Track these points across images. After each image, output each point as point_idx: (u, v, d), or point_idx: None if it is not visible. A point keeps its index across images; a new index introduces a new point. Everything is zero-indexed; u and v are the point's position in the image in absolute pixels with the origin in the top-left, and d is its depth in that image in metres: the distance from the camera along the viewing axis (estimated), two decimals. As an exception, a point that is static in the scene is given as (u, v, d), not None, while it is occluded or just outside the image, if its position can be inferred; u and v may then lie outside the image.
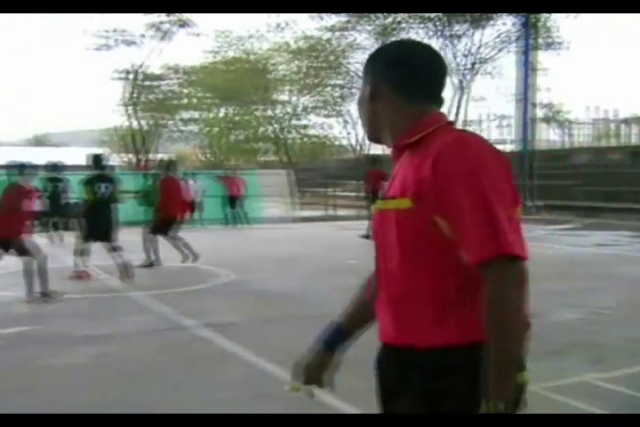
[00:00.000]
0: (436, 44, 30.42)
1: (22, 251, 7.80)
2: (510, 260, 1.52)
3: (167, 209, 10.73)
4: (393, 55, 1.80)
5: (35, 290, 7.72)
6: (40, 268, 7.76)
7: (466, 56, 30.27)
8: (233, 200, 19.48)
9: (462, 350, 1.61)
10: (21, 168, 8.04)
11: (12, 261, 9.38)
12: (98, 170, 9.46)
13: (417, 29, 30.64)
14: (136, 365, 5.14)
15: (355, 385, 4.53)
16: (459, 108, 30.71)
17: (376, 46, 31.66)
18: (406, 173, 1.68)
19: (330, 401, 4.21)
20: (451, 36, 30.03)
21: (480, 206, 1.55)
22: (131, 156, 35.80)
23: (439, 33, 30.35)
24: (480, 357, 1.54)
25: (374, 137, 1.88)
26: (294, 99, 37.30)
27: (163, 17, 25.73)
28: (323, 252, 12.78)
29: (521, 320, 1.55)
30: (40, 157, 14.96)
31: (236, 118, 38.79)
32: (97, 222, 9.27)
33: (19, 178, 7.95)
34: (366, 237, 14.46)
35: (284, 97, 37.50)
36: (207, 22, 52.53)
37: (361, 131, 38.10)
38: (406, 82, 1.76)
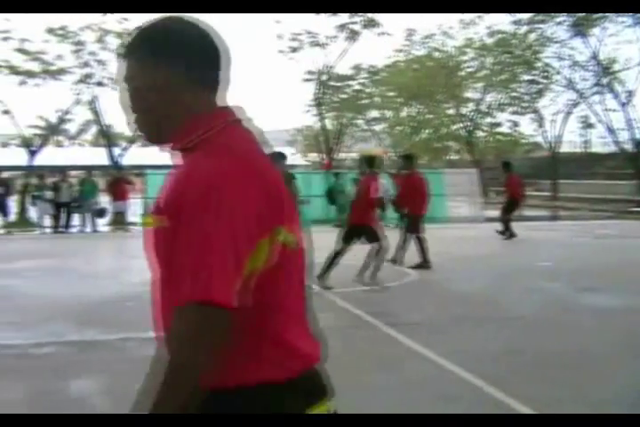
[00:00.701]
0: (633, 34, 28.69)
1: (374, 237, 8.47)
2: (202, 305, 1.30)
3: (415, 206, 10.81)
4: (161, 35, 1.51)
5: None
6: (380, 254, 8.45)
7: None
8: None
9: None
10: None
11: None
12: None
13: (620, 17, 28.81)
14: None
15: (539, 391, 4.35)
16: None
17: (571, 39, 30.47)
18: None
19: (510, 404, 4.07)
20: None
21: (195, 244, 1.32)
22: (316, 155, 36.70)
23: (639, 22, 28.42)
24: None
25: (151, 136, 1.58)
26: (482, 96, 36.47)
27: (354, 18, 26.09)
28: (511, 253, 12.40)
29: (189, 367, 1.32)
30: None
31: (422, 117, 38.58)
32: None
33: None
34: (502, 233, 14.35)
35: (473, 94, 36.77)
36: (393, 21, 52.61)
37: (554, 128, 36.64)
38: (182, 66, 1.48)
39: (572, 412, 3.99)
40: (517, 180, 15.58)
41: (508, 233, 14.51)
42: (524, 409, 4.03)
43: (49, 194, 17.89)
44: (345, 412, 4.04)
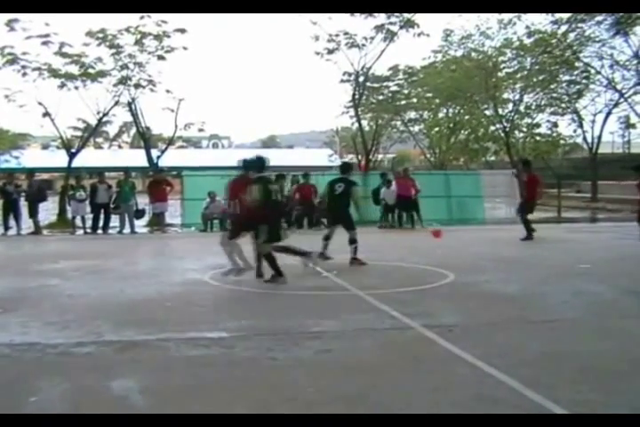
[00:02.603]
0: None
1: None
2: None
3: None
4: None
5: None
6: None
7: None
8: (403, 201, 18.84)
9: None
10: None
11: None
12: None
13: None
14: (361, 362, 5.23)
15: (580, 395, 4.31)
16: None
17: (612, 38, 30.08)
18: None
19: (550, 407, 4.05)
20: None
21: None
22: (352, 156, 36.69)
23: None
24: None
25: None
26: (521, 97, 36.16)
27: (391, 18, 26.03)
28: (550, 254, 12.25)
29: None
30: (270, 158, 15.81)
31: (460, 118, 38.37)
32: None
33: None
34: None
35: (511, 95, 36.47)
36: (431, 22, 52.40)
37: (594, 129, 36.21)
38: None
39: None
40: (536, 179, 15.39)
41: (527, 234, 14.53)
42: (564, 413, 4.00)
43: (83, 194, 18.08)
44: (384, 412, 4.10)
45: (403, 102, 35.45)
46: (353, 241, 10.84)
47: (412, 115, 38.63)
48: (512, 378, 4.65)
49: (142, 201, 19.03)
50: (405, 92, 35.30)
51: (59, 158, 27.99)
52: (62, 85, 22.71)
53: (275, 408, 4.15)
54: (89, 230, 18.14)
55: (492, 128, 37.18)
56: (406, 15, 26.07)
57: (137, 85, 23.61)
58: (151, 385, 4.68)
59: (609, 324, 6.53)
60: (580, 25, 30.74)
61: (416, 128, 39.85)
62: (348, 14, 25.21)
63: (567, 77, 34.47)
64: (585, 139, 37.22)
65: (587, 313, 7.08)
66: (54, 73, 22.41)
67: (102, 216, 18.19)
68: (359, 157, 32.91)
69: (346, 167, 11.87)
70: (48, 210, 21.34)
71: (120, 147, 63.74)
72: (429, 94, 36.49)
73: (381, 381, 4.72)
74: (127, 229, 18.15)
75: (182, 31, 23.18)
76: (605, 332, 6.19)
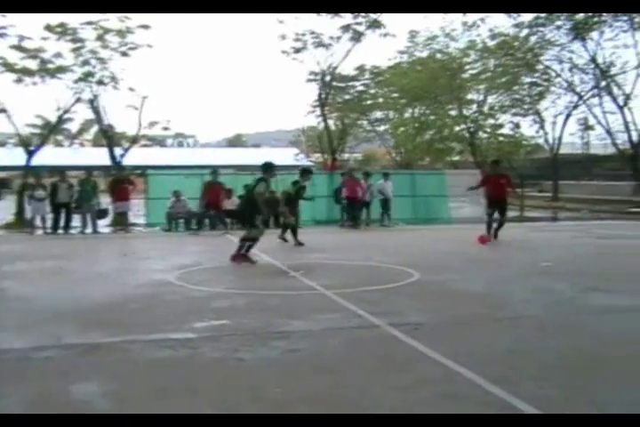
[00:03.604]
0: (630, 38, 29.01)
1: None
2: None
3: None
4: None
5: None
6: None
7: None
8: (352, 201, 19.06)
9: None
10: None
11: (204, 259, 9.98)
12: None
13: (616, 22, 29.33)
14: (329, 362, 5.22)
15: (543, 391, 4.37)
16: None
17: (571, 43, 30.75)
18: None
19: (515, 403, 4.09)
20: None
21: None
22: (318, 155, 36.74)
23: (635, 27, 28.72)
24: None
25: None
26: (485, 98, 36.64)
27: (358, 19, 26.13)
28: (513, 253, 12.41)
29: None
30: (236, 157, 15.81)
31: (425, 118, 38.67)
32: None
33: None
34: None
35: (475, 96, 36.95)
36: (397, 23, 52.72)
37: (555, 130, 36.92)
38: None
39: (577, 412, 4.01)
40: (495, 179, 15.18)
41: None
42: (529, 408, 4.04)
43: (42, 194, 17.75)
44: (352, 411, 4.10)
45: (369, 102, 35.60)
46: (249, 239, 10.89)
47: (378, 114, 38.85)
48: (478, 375, 4.69)
49: (105, 200, 18.81)
50: (372, 91, 35.46)
51: (16, 156, 27.50)
52: (19, 80, 22.26)
53: (242, 409, 4.13)
54: (49, 230, 17.80)
55: (457, 128, 37.65)
56: (372, 16, 26.19)
57: (99, 82, 23.27)
58: (114, 389, 4.59)
59: (570, 321, 6.63)
60: (540, 29, 31.50)
61: (382, 128, 40.10)
62: (314, 14, 25.26)
63: (529, 79, 35.17)
64: (546, 140, 37.96)
65: (549, 310, 7.17)
66: (10, 67, 21.94)
67: (63, 216, 17.88)
68: (325, 156, 32.97)
69: (266, 167, 11.34)
70: (5, 209, 20.95)
71: (82, 145, 62.83)
72: (395, 94, 36.73)
73: (349, 380, 4.73)
74: (89, 229, 17.92)
75: (146, 27, 22.90)
76: (567, 329, 6.28)
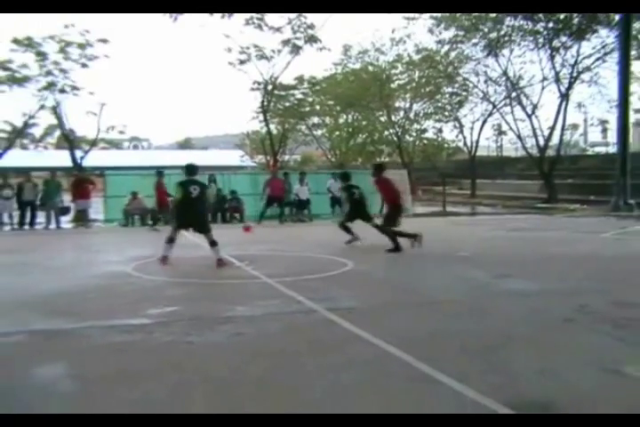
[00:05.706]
0: (542, 54, 29.79)
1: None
2: None
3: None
4: None
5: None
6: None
7: (571, 66, 29.26)
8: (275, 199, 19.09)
9: None
10: None
11: (159, 252, 9.83)
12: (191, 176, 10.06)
13: (524, 42, 30.17)
14: (270, 345, 5.20)
15: (462, 365, 4.45)
16: (558, 113, 29.71)
17: (485, 58, 31.56)
18: None
19: (438, 377, 4.15)
20: (556, 48, 29.16)
21: None
22: (261, 157, 36.72)
23: (545, 45, 29.47)
24: None
25: None
26: (410, 105, 37.17)
27: (297, 34, 26.27)
28: (434, 244, 12.56)
29: None
30: (186, 159, 15.49)
31: (358, 123, 38.99)
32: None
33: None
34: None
35: (402, 104, 37.45)
36: (332, 38, 52.88)
37: (472, 134, 37.85)
38: None
39: (491, 382, 4.10)
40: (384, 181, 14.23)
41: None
42: (451, 381, 4.10)
43: (9, 193, 17.44)
44: (289, 395, 4.10)
45: (307, 109, 35.62)
46: (213, 243, 9.74)
47: (316, 120, 38.91)
48: (406, 353, 4.75)
49: (67, 199, 18.47)
50: (309, 99, 35.48)
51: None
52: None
53: (192, 389, 4.10)
54: (16, 226, 17.45)
55: (386, 133, 38.10)
56: (310, 31, 26.35)
57: (61, 91, 22.82)
58: (78, 371, 4.52)
59: (485, 304, 6.76)
60: (459, 45, 32.25)
61: (319, 132, 40.19)
62: (257, 29, 25.28)
63: (450, 90, 35.89)
64: (465, 143, 38.91)
65: (466, 295, 7.29)
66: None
67: (29, 213, 17.60)
68: (268, 157, 32.94)
69: (191, 169, 10.15)
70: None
71: (45, 148, 61.17)
72: (331, 102, 36.88)
73: (288, 362, 4.72)
74: (53, 225, 17.59)
75: (105, 41, 22.58)
76: (482, 311, 6.40)
